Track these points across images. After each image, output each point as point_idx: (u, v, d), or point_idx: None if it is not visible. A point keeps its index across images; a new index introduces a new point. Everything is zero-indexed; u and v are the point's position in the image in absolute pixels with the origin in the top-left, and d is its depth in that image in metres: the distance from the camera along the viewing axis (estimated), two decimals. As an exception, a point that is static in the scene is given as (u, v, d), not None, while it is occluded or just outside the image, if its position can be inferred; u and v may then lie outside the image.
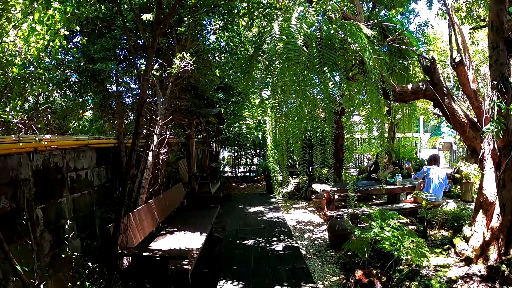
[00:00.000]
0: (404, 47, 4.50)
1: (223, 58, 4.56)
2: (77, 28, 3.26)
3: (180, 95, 4.62)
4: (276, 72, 3.12)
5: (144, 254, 2.62)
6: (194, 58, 3.28)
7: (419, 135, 16.00)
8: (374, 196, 7.70)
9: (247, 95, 3.80)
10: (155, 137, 3.53)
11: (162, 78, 3.85)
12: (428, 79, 3.92)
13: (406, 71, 4.83)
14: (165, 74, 3.77)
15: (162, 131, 3.96)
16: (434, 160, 6.23)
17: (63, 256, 2.86)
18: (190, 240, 3.65)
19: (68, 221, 3.04)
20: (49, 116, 3.34)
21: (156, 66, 3.39)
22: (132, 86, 5.72)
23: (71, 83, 5.13)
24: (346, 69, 3.04)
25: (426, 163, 6.92)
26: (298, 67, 2.98)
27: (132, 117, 5.64)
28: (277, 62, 3.05)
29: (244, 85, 3.68)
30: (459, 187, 8.48)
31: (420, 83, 3.91)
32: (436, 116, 11.85)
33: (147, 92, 3.04)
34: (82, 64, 4.07)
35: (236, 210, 7.29)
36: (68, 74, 4.94)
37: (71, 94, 5.04)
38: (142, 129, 2.87)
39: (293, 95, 3.48)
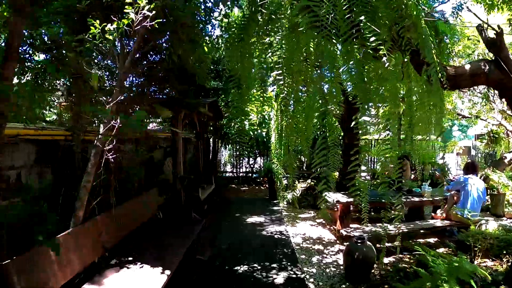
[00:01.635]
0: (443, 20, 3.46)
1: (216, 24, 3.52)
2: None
3: (152, 72, 3.60)
4: (280, 34, 2.07)
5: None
6: (155, 15, 2.24)
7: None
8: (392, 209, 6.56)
9: (242, 76, 2.77)
10: (101, 127, 2.49)
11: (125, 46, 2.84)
12: (493, 58, 2.83)
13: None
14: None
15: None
16: (472, 168, 5.08)
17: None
18: (145, 281, 2.49)
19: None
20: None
21: (112, 26, 2.37)
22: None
23: (33, 62, 4.19)
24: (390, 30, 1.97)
25: (462, 171, 5.77)
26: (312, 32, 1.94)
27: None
28: (284, 17, 2.01)
29: (238, 59, 2.65)
30: (488, 197, 7.35)
31: (481, 63, 2.82)
32: (460, 117, 10.65)
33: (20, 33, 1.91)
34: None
35: (231, 219, 6.25)
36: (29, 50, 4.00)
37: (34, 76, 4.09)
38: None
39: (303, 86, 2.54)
